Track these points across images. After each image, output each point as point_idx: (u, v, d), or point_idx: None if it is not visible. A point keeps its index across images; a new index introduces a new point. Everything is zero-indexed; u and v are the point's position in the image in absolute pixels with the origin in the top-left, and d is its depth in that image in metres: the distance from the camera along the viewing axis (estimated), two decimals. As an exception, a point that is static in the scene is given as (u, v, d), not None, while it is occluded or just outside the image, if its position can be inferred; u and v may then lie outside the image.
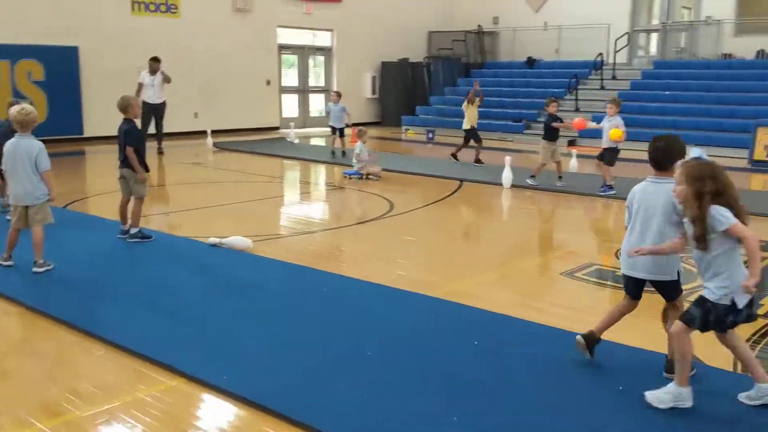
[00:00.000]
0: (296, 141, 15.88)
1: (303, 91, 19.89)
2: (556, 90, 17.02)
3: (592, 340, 3.79)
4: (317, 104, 20.14)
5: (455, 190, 9.82)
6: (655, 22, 20.06)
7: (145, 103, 12.14)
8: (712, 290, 3.21)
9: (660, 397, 3.30)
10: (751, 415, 3.26)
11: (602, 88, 17.51)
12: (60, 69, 14.25)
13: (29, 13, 13.69)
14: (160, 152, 13.01)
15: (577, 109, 16.58)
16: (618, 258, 6.22)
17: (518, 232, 7.72)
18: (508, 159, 10.06)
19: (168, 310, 4.65)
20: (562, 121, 9.86)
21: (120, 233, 6.49)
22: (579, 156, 11.67)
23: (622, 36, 18.20)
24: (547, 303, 5.06)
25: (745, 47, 17.41)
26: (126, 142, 6.31)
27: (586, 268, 5.87)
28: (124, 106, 6.42)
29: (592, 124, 9.97)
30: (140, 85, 12.80)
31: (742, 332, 4.31)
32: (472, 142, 12.12)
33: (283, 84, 19.15)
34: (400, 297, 4.98)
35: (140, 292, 4.98)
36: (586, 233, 7.95)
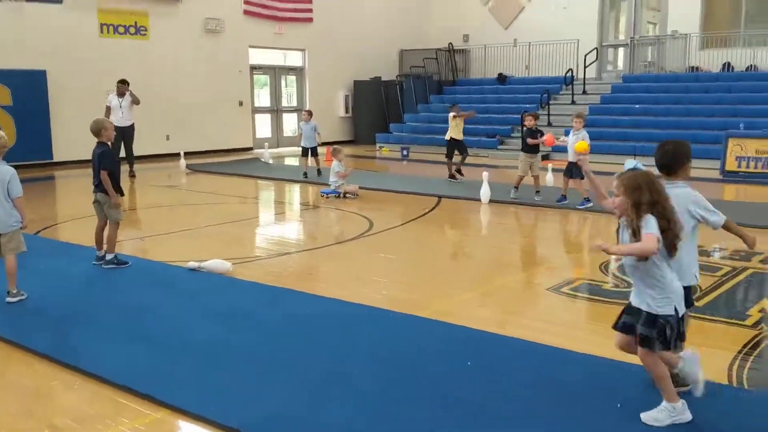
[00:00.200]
0: (270, 161, 15.76)
1: (276, 111, 19.81)
2: (528, 105, 17.16)
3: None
4: (290, 124, 20.07)
5: (434, 207, 9.78)
6: (622, 37, 20.40)
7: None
8: (654, 305, 3.20)
9: (655, 416, 3.25)
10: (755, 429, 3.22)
11: (573, 102, 17.71)
12: (28, 93, 14.00)
13: (-5, 37, 13.44)
14: (132, 175, 12.79)
15: (549, 124, 16.71)
16: (603, 272, 6.25)
17: (500, 247, 7.69)
18: (485, 174, 10.06)
19: (148, 338, 4.49)
20: (542, 134, 9.91)
21: (95, 259, 6.31)
22: (554, 170, 11.71)
23: (590, 51, 18.45)
24: (535, 319, 5.00)
25: (711, 60, 17.77)
26: (100, 165, 6.16)
27: (571, 283, 5.84)
28: (97, 129, 6.27)
29: (563, 139, 10.02)
30: (108, 108, 12.57)
31: (738, 341, 4.31)
32: (456, 153, 12.08)
33: (255, 104, 19.05)
34: (386, 318, 4.88)
35: (118, 320, 4.82)
36: (567, 247, 7.95)
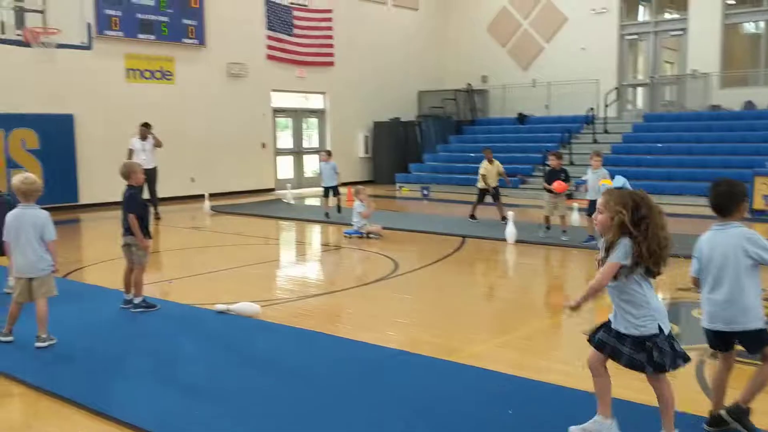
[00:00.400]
0: (292, 201, 15.83)
1: (297, 152, 19.97)
2: (549, 144, 17.16)
3: (736, 412, 3.49)
4: (311, 165, 20.21)
5: (459, 247, 9.71)
6: (641, 76, 20.45)
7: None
8: (638, 325, 3.17)
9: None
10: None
11: (595, 141, 17.66)
12: (55, 137, 14.23)
13: (24, 82, 13.72)
14: (157, 217, 12.87)
15: (571, 163, 16.65)
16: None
17: (531, 289, 7.58)
18: (510, 214, 10.00)
19: (182, 385, 4.43)
20: (565, 174, 9.88)
21: (123, 303, 6.30)
22: (580, 210, 11.62)
23: (611, 91, 18.49)
24: (574, 365, 4.87)
25: (732, 99, 17.71)
26: (128, 209, 6.18)
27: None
28: (126, 172, 6.31)
29: (585, 187, 9.76)
30: (130, 151, 12.71)
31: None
32: (488, 199, 12.03)
33: (277, 146, 19.23)
34: (421, 363, 4.78)
35: (150, 366, 4.76)
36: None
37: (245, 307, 6.12)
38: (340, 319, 6.31)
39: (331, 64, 19.79)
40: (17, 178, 5.21)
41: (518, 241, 9.71)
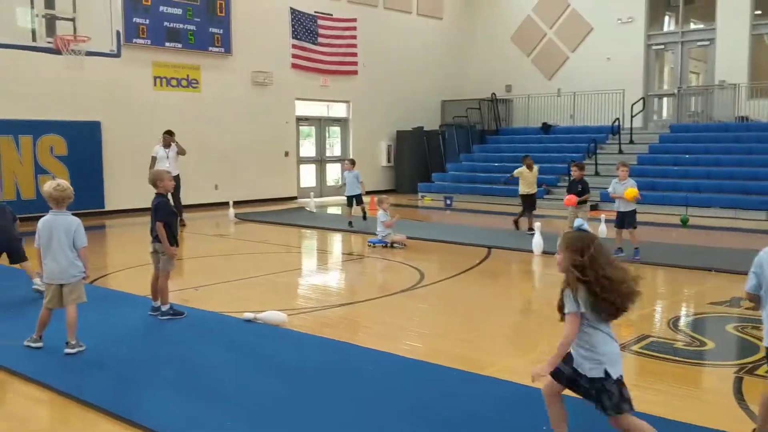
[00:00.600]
0: (315, 210, 15.84)
1: (320, 161, 20.01)
2: (574, 155, 17.03)
3: None
4: (334, 173, 20.24)
5: (485, 258, 9.62)
6: (666, 87, 20.24)
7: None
8: (588, 367, 3.20)
9: None
10: None
11: (621, 152, 17.49)
12: (82, 143, 14.39)
13: (52, 89, 13.90)
14: (182, 224, 12.92)
15: (597, 173, 16.53)
16: (672, 327, 6.00)
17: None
18: (537, 225, 9.90)
19: (210, 394, 4.39)
20: (582, 187, 9.93)
21: (151, 310, 6.30)
22: (607, 221, 11.47)
23: (637, 101, 18.31)
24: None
25: (760, 110, 17.45)
26: (155, 216, 6.19)
27: (641, 341, 5.59)
28: (154, 180, 6.35)
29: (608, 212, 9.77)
30: (153, 159, 12.78)
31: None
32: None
33: (300, 154, 19.28)
34: (455, 377, 4.68)
35: (178, 374, 4.75)
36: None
37: (272, 315, 6.10)
38: (370, 330, 6.25)
39: (354, 72, 19.83)
40: (49, 185, 5.24)
41: (545, 252, 9.61)
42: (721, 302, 6.86)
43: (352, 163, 13.62)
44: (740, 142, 16.23)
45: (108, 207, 14.75)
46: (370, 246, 10.66)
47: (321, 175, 20.01)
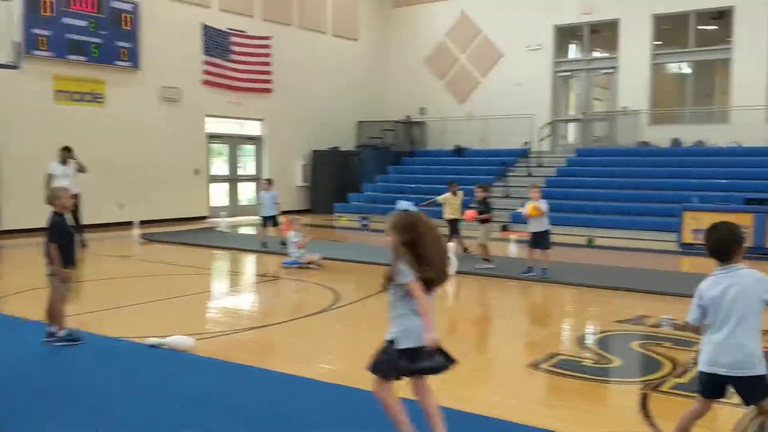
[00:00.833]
0: (227, 230, 15.44)
1: (233, 179, 19.59)
2: (486, 177, 17.37)
3: None
4: (247, 193, 19.85)
5: (399, 279, 9.58)
6: (572, 112, 21.07)
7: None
8: (390, 332, 3.53)
9: None
10: None
11: (530, 175, 17.99)
12: (-25, 159, 13.49)
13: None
14: (83, 245, 12.28)
15: (507, 196, 16.93)
16: (580, 345, 6.13)
17: (474, 321, 7.51)
18: (450, 245, 9.97)
19: (107, 423, 4.10)
20: (484, 207, 10.46)
21: (46, 336, 5.88)
22: (518, 242, 11.73)
23: (544, 126, 18.93)
24: (523, 400, 4.76)
25: (659, 136, 18.40)
26: (48, 238, 5.80)
27: (550, 359, 5.66)
28: (51, 198, 5.98)
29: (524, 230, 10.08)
30: (49, 176, 12.07)
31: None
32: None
33: (212, 173, 18.81)
34: (370, 400, 4.58)
35: (77, 403, 4.42)
36: (540, 321, 7.82)
37: (178, 340, 5.82)
38: (283, 354, 6.06)
39: (268, 90, 19.60)
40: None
41: (458, 272, 9.68)
42: (627, 320, 7.07)
43: (269, 182, 13.37)
44: (641, 166, 17.02)
45: (5, 227, 13.87)
46: (284, 267, 10.45)
47: (233, 194, 19.58)
